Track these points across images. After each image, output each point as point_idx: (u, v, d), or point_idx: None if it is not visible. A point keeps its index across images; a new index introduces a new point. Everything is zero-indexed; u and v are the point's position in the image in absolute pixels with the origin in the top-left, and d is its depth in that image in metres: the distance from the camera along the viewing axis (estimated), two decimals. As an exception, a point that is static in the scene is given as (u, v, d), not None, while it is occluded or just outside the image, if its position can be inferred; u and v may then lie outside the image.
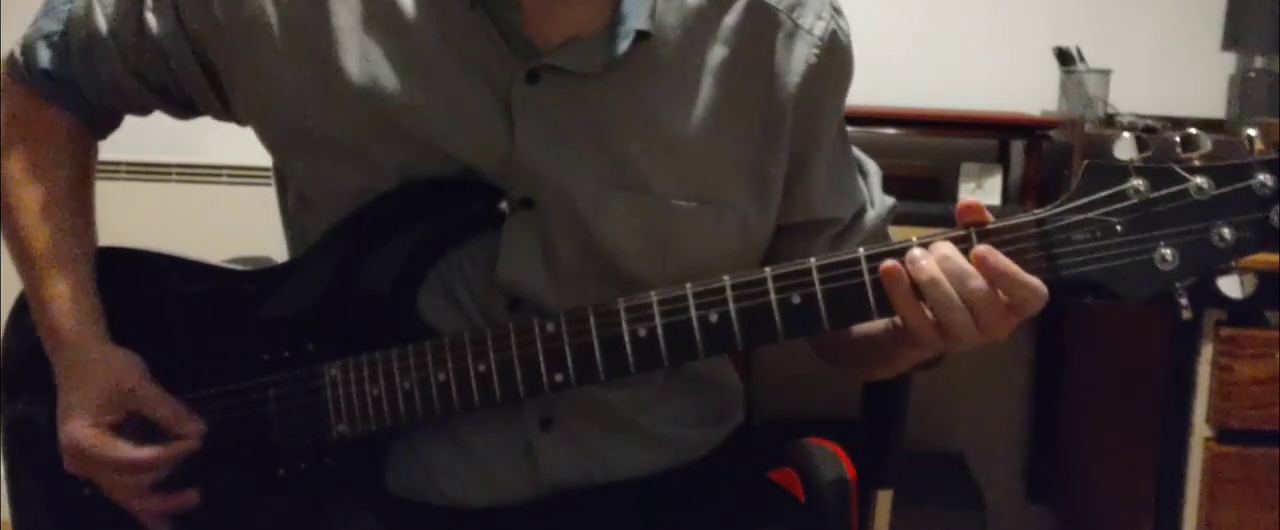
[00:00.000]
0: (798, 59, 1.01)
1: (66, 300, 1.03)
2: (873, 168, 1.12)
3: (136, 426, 1.02)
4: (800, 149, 1.03)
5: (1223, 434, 1.71)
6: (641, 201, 0.97)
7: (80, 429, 1.00)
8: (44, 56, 1.06)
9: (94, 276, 1.05)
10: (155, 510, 1.02)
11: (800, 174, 1.04)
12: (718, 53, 0.99)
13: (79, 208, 1.08)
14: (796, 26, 1.01)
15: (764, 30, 1.01)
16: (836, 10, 1.04)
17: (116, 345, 1.03)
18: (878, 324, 0.97)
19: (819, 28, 1.02)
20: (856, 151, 1.11)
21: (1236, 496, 1.71)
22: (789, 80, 1.01)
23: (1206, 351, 1.70)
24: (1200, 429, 1.72)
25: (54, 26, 1.06)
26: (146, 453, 1.00)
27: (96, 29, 1.04)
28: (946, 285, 0.85)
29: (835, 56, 1.03)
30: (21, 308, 1.10)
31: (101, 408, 1.01)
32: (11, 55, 1.08)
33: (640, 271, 0.97)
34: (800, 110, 1.02)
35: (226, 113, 1.05)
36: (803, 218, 1.06)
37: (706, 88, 0.99)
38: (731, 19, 1.00)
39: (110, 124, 1.13)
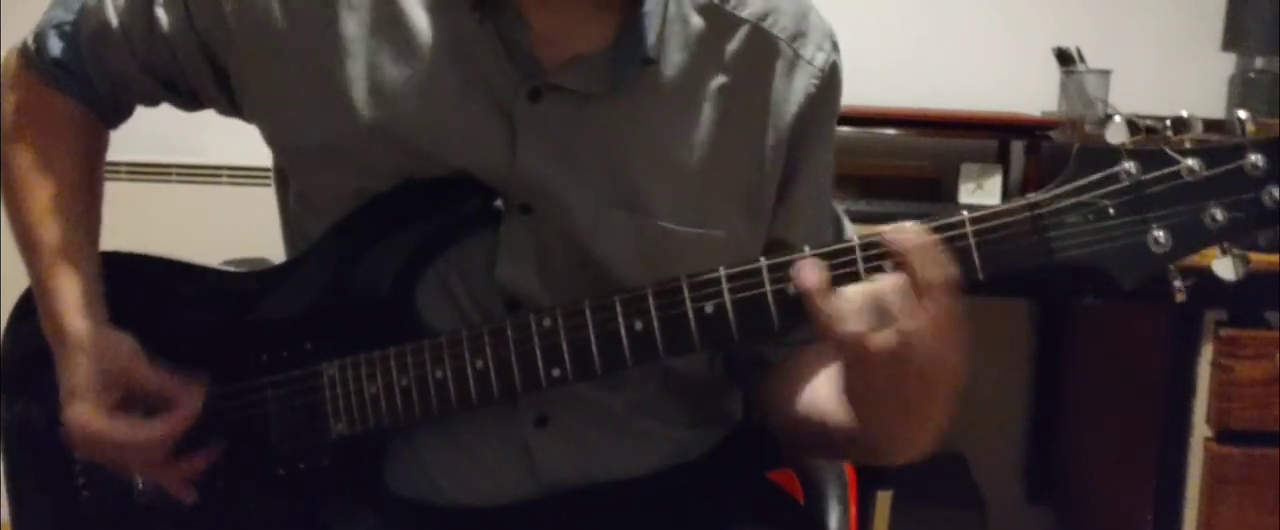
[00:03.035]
0: (797, 89, 1.02)
1: (70, 291, 1.02)
2: (847, 222, 1.11)
3: (139, 404, 1.01)
4: (786, 174, 1.04)
5: (1223, 434, 1.71)
6: (639, 222, 0.98)
7: (82, 413, 0.99)
8: (55, 45, 1.06)
9: (99, 267, 1.05)
10: (178, 476, 1.01)
11: (782, 197, 1.04)
12: (719, 79, 1.00)
13: (87, 198, 1.08)
14: (797, 57, 1.02)
15: (765, 59, 1.01)
16: (835, 44, 1.05)
17: (110, 328, 1.02)
18: (833, 408, 0.95)
19: (820, 59, 1.03)
20: (834, 206, 1.10)
21: (1236, 496, 1.71)
22: (787, 109, 1.02)
23: (1206, 352, 1.70)
24: (1200, 429, 1.72)
25: (65, 16, 1.07)
26: (149, 429, 0.99)
27: (107, 20, 1.04)
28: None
29: (831, 89, 1.04)
30: (21, 310, 1.10)
31: (100, 389, 1.00)
32: (24, 43, 1.09)
33: (634, 286, 0.97)
34: (793, 138, 1.03)
35: (232, 109, 1.05)
36: (769, 237, 1.05)
37: (707, 113, 0.99)
38: (733, 46, 1.00)
39: (121, 113, 1.13)
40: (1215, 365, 1.70)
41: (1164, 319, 1.77)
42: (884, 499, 1.29)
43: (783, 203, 1.05)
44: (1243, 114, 0.81)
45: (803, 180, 1.05)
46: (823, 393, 0.99)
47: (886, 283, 0.81)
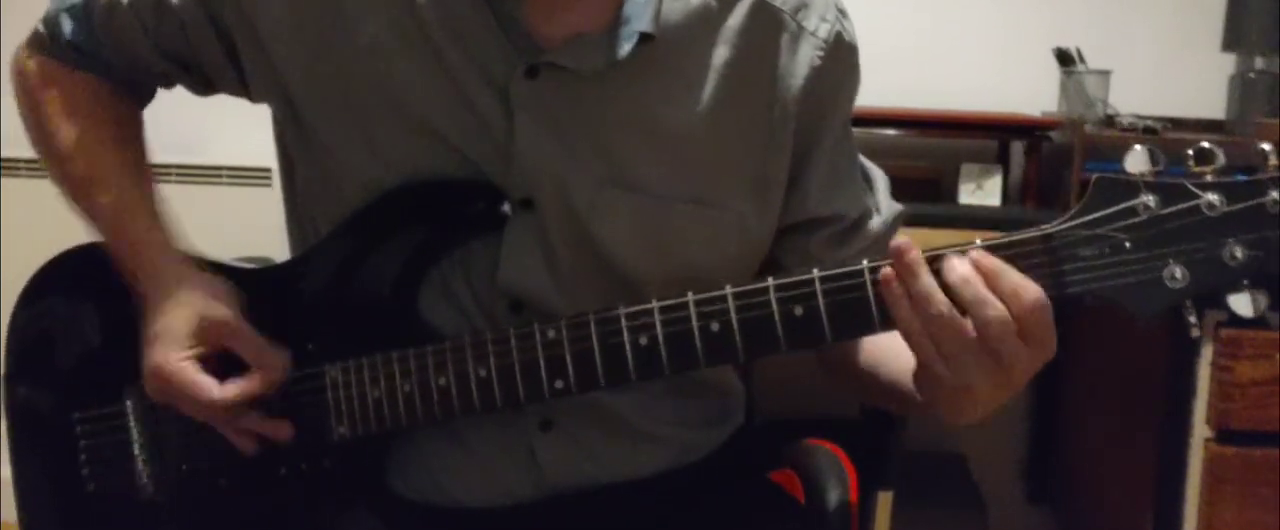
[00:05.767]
0: (801, 61, 1.01)
1: (153, 220, 1.01)
2: (879, 175, 1.11)
3: (219, 360, 0.98)
4: (801, 149, 1.02)
5: (1223, 435, 1.71)
6: (639, 201, 0.97)
7: (166, 359, 0.97)
8: (67, 28, 1.06)
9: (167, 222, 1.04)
10: (250, 429, 0.99)
11: (800, 173, 1.03)
12: (721, 54, 0.99)
13: (139, 158, 1.06)
14: (801, 29, 1.01)
15: (768, 32, 1.00)
16: (841, 12, 1.04)
17: (214, 276, 1.00)
18: (901, 372, 0.94)
19: (823, 30, 1.02)
20: (863, 160, 1.10)
21: (1236, 497, 1.71)
22: (792, 82, 1.01)
23: (1206, 352, 1.70)
24: (1200, 430, 1.72)
25: None
26: (227, 391, 0.96)
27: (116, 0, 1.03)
28: (940, 297, 0.80)
29: (840, 59, 1.03)
30: (23, 301, 1.10)
31: (191, 337, 0.97)
32: (34, 32, 1.08)
33: (639, 270, 0.97)
34: (803, 112, 1.01)
35: (243, 88, 1.04)
36: (801, 217, 1.05)
37: (708, 89, 0.99)
38: (735, 20, 0.99)
39: (142, 95, 1.12)
40: (1215, 365, 1.69)
41: (1164, 320, 1.77)
42: (885, 499, 1.29)
43: (806, 181, 1.03)
44: (1265, 145, 0.79)
45: (822, 155, 1.04)
46: (894, 360, 0.96)
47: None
